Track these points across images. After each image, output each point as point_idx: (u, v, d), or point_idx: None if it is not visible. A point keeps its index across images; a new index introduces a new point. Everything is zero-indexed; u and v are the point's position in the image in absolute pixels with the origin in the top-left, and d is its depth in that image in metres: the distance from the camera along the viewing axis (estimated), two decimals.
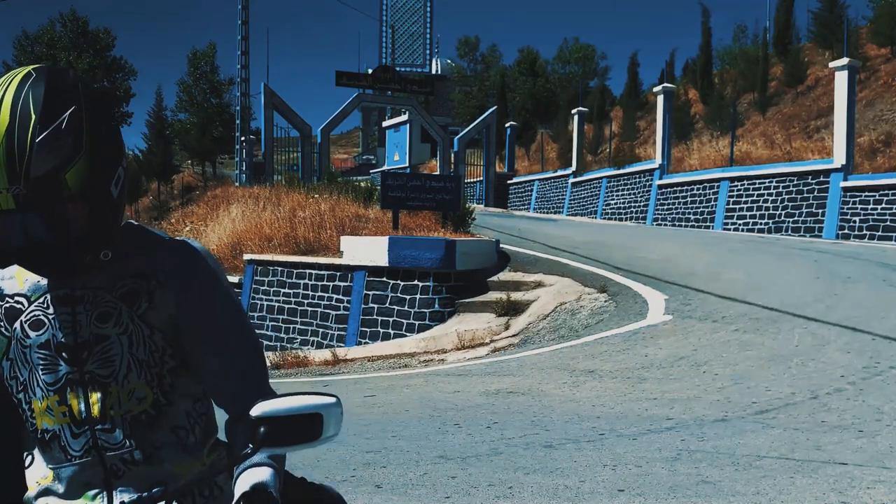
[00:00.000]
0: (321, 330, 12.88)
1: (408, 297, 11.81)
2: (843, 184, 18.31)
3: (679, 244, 15.51)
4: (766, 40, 28.84)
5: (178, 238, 1.51)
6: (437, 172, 27.56)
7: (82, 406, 1.41)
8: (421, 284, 11.74)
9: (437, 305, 11.67)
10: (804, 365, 7.05)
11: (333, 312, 12.71)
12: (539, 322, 10.50)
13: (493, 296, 11.64)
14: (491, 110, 30.87)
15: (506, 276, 12.42)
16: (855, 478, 4.18)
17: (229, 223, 17.79)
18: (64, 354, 1.40)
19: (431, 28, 48.45)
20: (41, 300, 1.42)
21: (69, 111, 1.27)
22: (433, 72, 46.91)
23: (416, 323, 11.65)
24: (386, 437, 5.99)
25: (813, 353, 7.38)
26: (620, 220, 25.82)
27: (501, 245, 13.75)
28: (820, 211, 18.81)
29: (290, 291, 13.54)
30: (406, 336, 11.59)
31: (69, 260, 1.34)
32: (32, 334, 1.41)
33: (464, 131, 30.22)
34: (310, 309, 13.14)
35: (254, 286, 14.23)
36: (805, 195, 19.37)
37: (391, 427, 6.35)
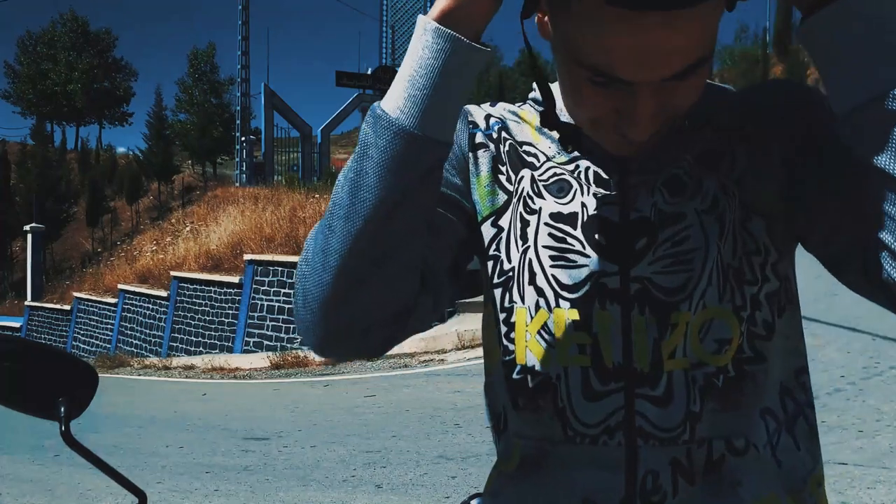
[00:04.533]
0: None
1: None
2: None
3: None
4: (766, 40, 28.88)
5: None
6: None
7: (618, 341, 0.77)
8: None
9: None
10: None
11: None
12: None
13: None
14: None
15: None
16: (855, 478, 4.18)
17: (229, 223, 17.79)
18: (599, 238, 0.79)
19: None
20: (566, 158, 0.85)
21: None
22: None
23: None
24: (386, 437, 6.00)
25: (813, 353, 7.36)
26: None
27: None
28: None
29: (291, 292, 13.52)
30: None
31: None
32: (547, 198, 0.83)
33: None
34: None
35: (254, 286, 14.23)
36: None
37: (391, 427, 6.35)
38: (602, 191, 0.81)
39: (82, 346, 20.50)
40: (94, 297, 20.45)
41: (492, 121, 0.89)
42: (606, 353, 0.77)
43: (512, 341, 0.81)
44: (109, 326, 19.41)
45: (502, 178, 0.85)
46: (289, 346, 13.06)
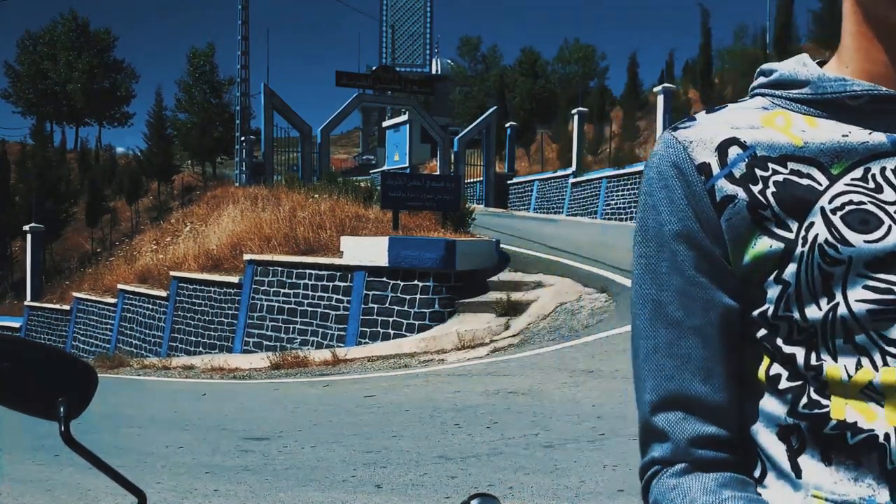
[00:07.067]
0: (321, 330, 12.88)
1: (408, 297, 11.80)
2: None
3: None
4: (766, 40, 28.88)
5: None
6: (437, 172, 27.56)
7: None
8: (421, 284, 11.73)
9: (437, 305, 11.67)
10: None
11: (333, 312, 12.71)
12: (539, 322, 10.49)
13: (493, 296, 11.64)
14: (491, 110, 30.86)
15: (506, 276, 12.42)
16: None
17: (229, 223, 17.79)
18: None
19: (431, 28, 48.46)
20: (859, 172, 0.71)
21: None
22: (433, 72, 46.91)
23: (416, 323, 11.64)
24: (386, 437, 5.99)
25: None
26: (621, 220, 25.83)
27: (501, 245, 13.75)
28: None
29: (290, 292, 13.53)
30: (406, 336, 11.58)
31: None
32: (853, 237, 0.68)
33: (464, 131, 30.20)
34: (310, 309, 13.13)
35: (254, 286, 14.23)
36: None
37: (391, 427, 6.35)
38: None
39: (82, 346, 20.50)
40: (93, 298, 20.45)
41: (731, 153, 0.73)
42: None
43: (826, 396, 0.71)
44: (109, 326, 19.41)
45: (770, 224, 0.70)
46: (288, 346, 13.05)
